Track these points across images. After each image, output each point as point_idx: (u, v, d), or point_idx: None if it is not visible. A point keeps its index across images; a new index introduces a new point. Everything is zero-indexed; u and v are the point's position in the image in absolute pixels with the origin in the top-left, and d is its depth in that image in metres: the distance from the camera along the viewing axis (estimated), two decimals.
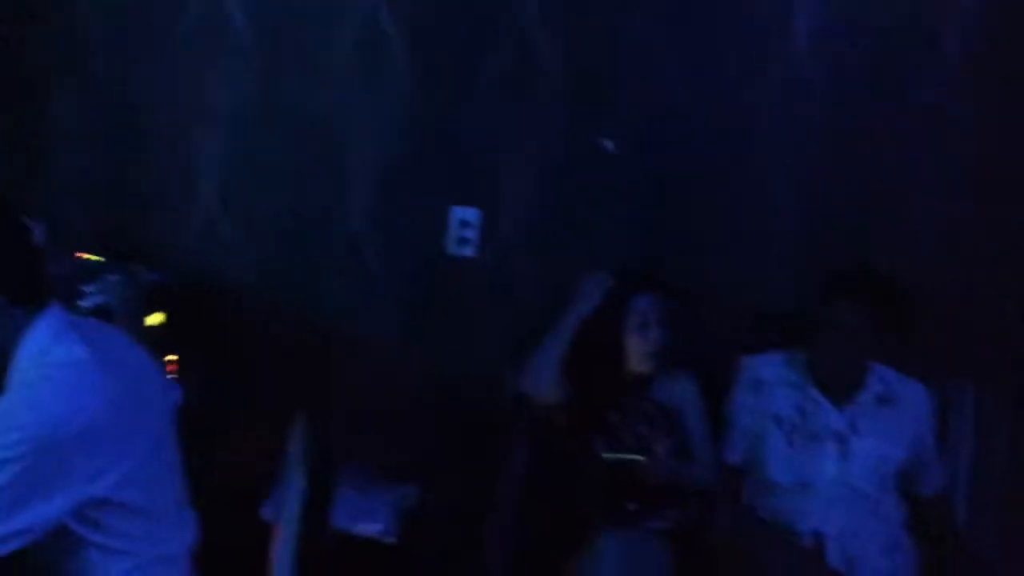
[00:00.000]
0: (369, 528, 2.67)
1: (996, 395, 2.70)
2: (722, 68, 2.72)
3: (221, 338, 2.73)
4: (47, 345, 1.54)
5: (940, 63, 2.68)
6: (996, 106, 2.69)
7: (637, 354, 2.49)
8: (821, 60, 2.69)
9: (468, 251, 2.75)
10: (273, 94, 2.81)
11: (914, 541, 2.53)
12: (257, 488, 2.54)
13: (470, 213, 2.73)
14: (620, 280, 2.52)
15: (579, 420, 2.49)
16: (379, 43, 2.73)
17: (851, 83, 2.71)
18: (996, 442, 2.68)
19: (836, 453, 2.47)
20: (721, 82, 2.72)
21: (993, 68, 2.68)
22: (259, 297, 2.79)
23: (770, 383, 2.56)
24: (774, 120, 2.72)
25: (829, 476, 2.45)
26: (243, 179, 2.84)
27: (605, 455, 2.36)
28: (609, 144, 2.59)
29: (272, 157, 2.82)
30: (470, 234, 2.73)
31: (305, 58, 2.79)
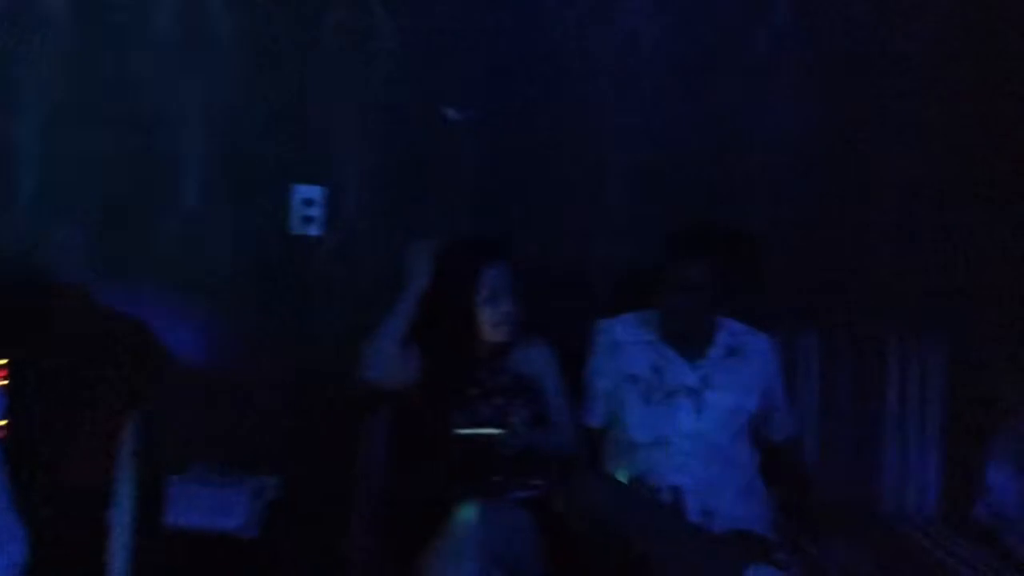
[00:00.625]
0: (227, 523, 2.57)
1: (838, 342, 2.79)
2: (561, 26, 2.71)
3: (54, 339, 2.56)
4: None
5: (774, 13, 2.75)
6: (831, 54, 2.78)
7: (489, 325, 2.46)
8: (660, 15, 2.71)
9: (313, 230, 2.65)
10: (90, 74, 2.65)
11: (768, 486, 2.60)
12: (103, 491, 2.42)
13: (314, 191, 2.64)
14: (468, 250, 2.47)
15: (434, 397, 2.45)
16: (203, 16, 2.61)
17: (688, 40, 2.75)
18: (840, 387, 2.78)
19: (691, 408, 2.52)
20: (560, 41, 2.71)
21: (826, 16, 2.77)
22: (93, 291, 2.62)
23: (625, 344, 2.59)
24: (613, 80, 2.74)
25: (685, 431, 2.50)
26: (66, 168, 2.67)
27: (461, 431, 2.32)
28: (452, 112, 2.54)
29: (94, 143, 2.65)
30: (314, 212, 2.64)
31: (123, 34, 2.64)
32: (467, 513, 2.14)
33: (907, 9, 2.79)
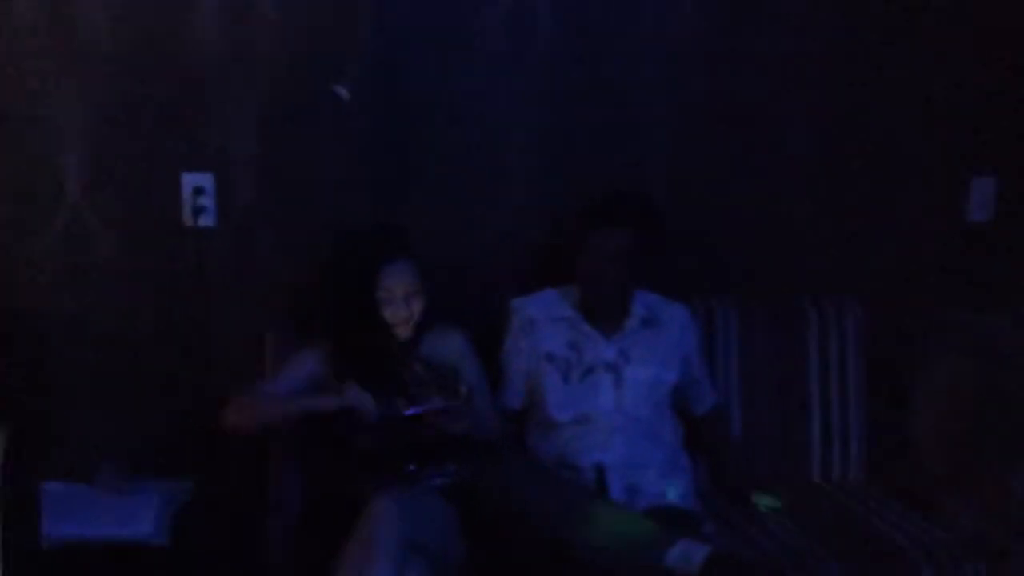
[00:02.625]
0: (136, 531, 2.44)
1: (757, 309, 2.75)
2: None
3: None
4: None
5: None
6: (723, 40, 2.74)
7: (392, 324, 2.35)
8: None
9: (207, 221, 2.52)
10: None
11: (693, 459, 2.55)
12: None
13: (204, 179, 2.50)
14: (364, 249, 2.34)
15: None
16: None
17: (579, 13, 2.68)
18: (760, 355, 2.74)
19: (611, 384, 2.45)
20: (450, 13, 2.62)
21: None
22: None
23: (540, 322, 2.52)
24: (506, 52, 2.65)
25: (606, 407, 2.44)
26: None
27: (403, 411, 2.23)
28: (343, 91, 2.42)
29: None
30: (206, 202, 2.50)
31: None
32: (380, 503, 2.05)
33: None
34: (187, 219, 2.51)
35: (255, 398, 2.32)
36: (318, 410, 2.27)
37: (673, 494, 2.40)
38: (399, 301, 2.32)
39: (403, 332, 2.35)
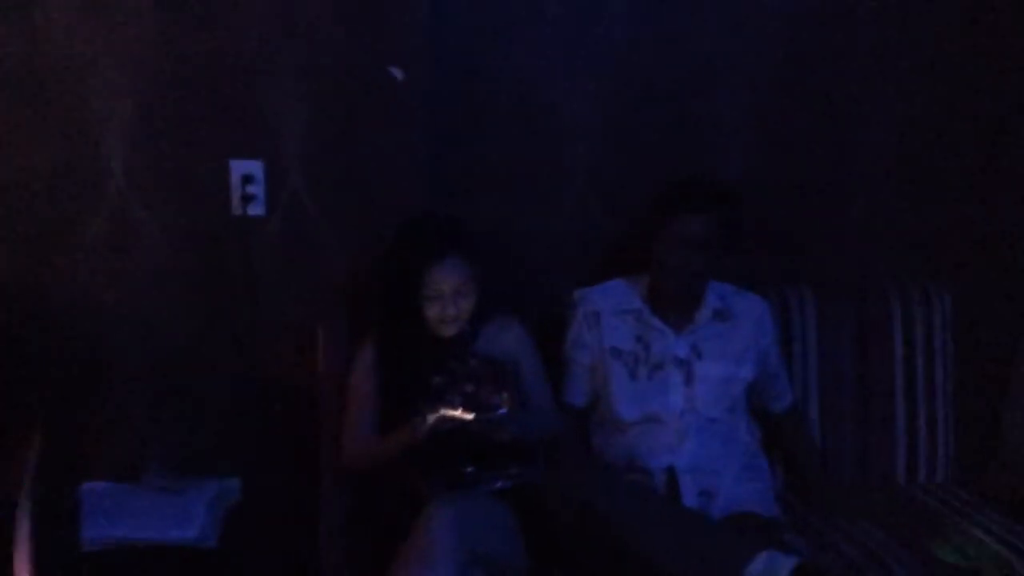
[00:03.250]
0: (182, 534, 2.34)
1: (837, 300, 2.58)
2: None
3: None
4: None
5: None
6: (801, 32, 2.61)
7: (435, 324, 2.23)
8: None
9: (257, 210, 2.41)
10: None
11: (771, 461, 2.40)
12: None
13: (253, 166, 2.39)
14: (412, 246, 2.22)
15: (398, 391, 2.22)
16: None
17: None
18: (841, 348, 2.57)
19: (681, 381, 2.30)
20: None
21: None
22: (10, 297, 2.37)
23: (605, 314, 2.37)
24: (576, 43, 2.51)
25: (676, 407, 2.30)
26: None
27: (427, 418, 2.10)
28: (398, 72, 2.29)
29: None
30: (255, 190, 2.39)
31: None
32: (438, 511, 1.92)
33: None
34: (236, 208, 2.39)
35: (361, 447, 2.25)
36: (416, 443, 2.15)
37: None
38: (447, 299, 2.19)
39: (449, 330, 2.22)
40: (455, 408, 2.13)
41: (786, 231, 2.66)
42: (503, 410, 2.12)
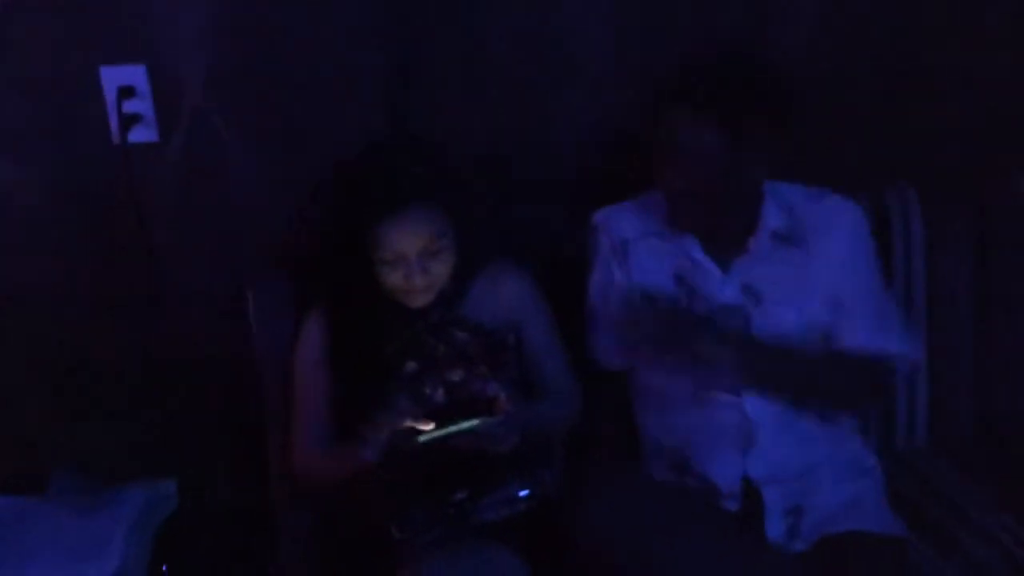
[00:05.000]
0: (99, 569, 1.77)
1: (950, 206, 1.90)
2: None
3: None
4: None
5: None
6: None
7: (398, 295, 1.59)
8: None
9: (143, 134, 1.73)
10: None
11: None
12: None
13: (134, 73, 1.70)
14: (359, 191, 1.55)
15: (357, 381, 1.60)
16: None
17: None
18: (956, 269, 1.90)
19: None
20: None
21: None
22: None
23: (635, 242, 1.69)
24: None
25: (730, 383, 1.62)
26: None
27: (420, 439, 1.47)
28: None
29: None
30: (139, 107, 1.71)
31: None
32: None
33: None
34: (114, 134, 1.71)
35: (314, 460, 1.66)
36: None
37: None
38: (412, 263, 1.54)
39: (418, 300, 1.59)
40: (432, 410, 1.51)
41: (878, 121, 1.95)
42: (499, 417, 1.50)
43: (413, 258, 1.54)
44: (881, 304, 1.68)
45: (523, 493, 1.55)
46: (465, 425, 1.48)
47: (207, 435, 1.93)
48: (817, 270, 1.63)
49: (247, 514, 1.90)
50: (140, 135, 1.72)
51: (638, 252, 1.69)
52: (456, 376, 1.59)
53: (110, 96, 1.70)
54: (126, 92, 1.70)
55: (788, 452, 1.60)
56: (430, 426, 1.47)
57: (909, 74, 1.99)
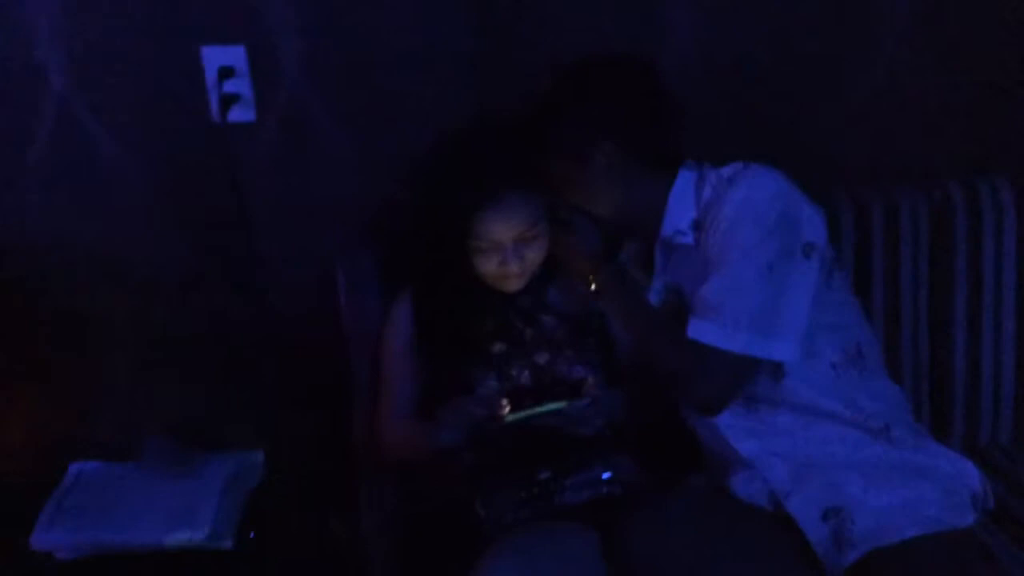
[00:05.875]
0: (190, 536, 1.84)
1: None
2: None
3: None
4: None
5: None
6: None
7: (493, 280, 1.61)
8: None
9: (242, 114, 1.77)
10: None
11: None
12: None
13: (234, 54, 1.74)
14: (455, 179, 1.57)
15: (446, 362, 1.63)
16: None
17: None
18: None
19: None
20: None
21: None
22: None
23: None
24: None
25: None
26: None
27: (507, 418, 1.50)
28: None
29: None
30: (240, 87, 1.75)
31: None
32: (498, 566, 1.36)
33: None
34: (215, 114, 1.76)
35: (400, 436, 1.69)
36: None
37: None
38: (508, 251, 1.56)
39: (512, 286, 1.61)
40: (517, 390, 1.54)
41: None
42: (585, 399, 1.51)
43: (509, 245, 1.56)
44: (717, 288, 1.48)
45: (606, 475, 1.57)
46: (551, 407, 1.51)
47: (295, 407, 1.98)
48: (706, 256, 1.53)
49: (331, 486, 1.95)
50: (238, 115, 1.76)
51: None
52: (542, 359, 1.62)
53: (210, 76, 1.74)
54: (226, 72, 1.74)
55: (800, 450, 1.55)
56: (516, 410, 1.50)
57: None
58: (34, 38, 1.71)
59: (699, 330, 1.45)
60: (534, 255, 1.59)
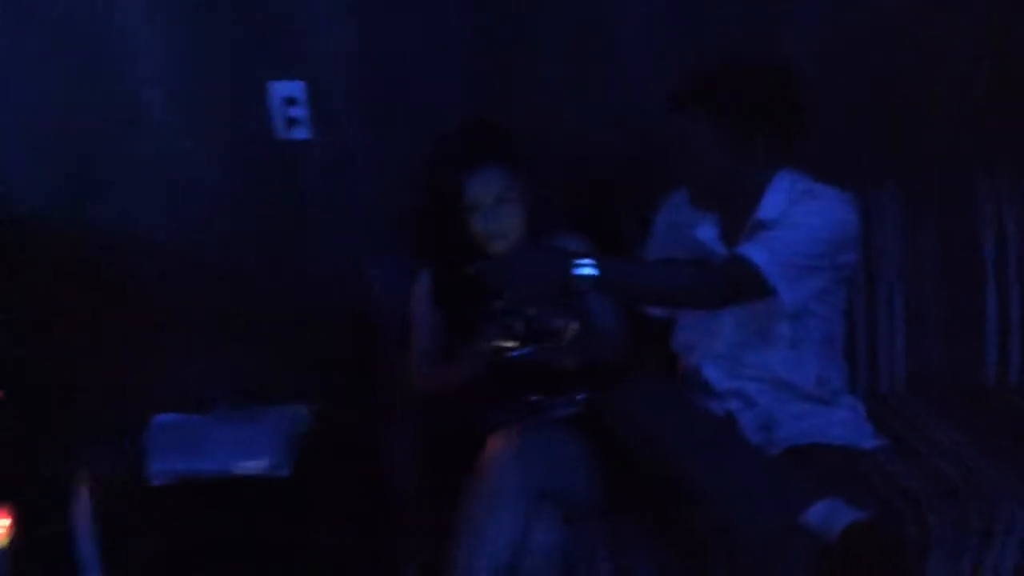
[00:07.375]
0: (255, 464, 2.33)
1: (922, 197, 2.40)
2: None
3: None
4: None
5: None
6: None
7: (483, 240, 2.12)
8: None
9: (300, 133, 2.31)
10: None
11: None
12: None
13: (295, 88, 2.28)
14: (448, 155, 2.10)
15: (458, 317, 2.15)
16: None
17: None
18: (926, 249, 2.40)
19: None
20: None
21: None
22: (51, 227, 2.32)
23: (680, 226, 2.18)
24: None
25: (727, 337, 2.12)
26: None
27: (508, 354, 2.01)
28: None
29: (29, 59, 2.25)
30: (299, 112, 2.28)
31: None
32: (500, 447, 1.86)
33: None
34: (279, 133, 2.29)
35: (429, 376, 2.17)
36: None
37: None
38: (488, 211, 2.07)
39: (498, 246, 2.11)
40: (514, 337, 2.04)
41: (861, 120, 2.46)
42: (564, 342, 2.03)
43: (489, 206, 2.07)
44: (779, 239, 1.90)
45: (580, 397, 2.08)
46: (538, 347, 2.02)
47: (336, 369, 2.46)
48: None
49: (365, 433, 2.42)
50: (298, 133, 2.30)
51: (678, 235, 2.17)
52: (532, 312, 2.13)
53: (276, 104, 2.28)
54: (289, 101, 2.28)
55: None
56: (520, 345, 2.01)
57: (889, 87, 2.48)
58: (143, 79, 2.24)
59: (752, 251, 1.87)
60: (509, 219, 2.08)
